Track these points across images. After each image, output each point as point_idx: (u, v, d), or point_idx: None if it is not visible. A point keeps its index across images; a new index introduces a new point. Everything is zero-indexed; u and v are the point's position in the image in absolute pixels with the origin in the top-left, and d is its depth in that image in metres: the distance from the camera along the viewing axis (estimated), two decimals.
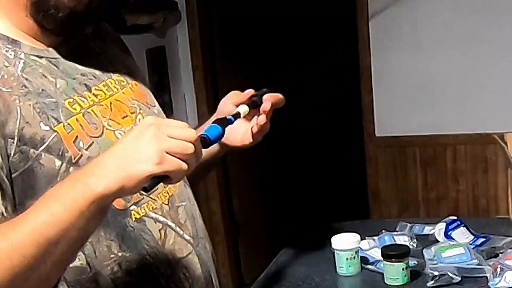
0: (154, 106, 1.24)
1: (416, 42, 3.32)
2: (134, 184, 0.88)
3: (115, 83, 1.16)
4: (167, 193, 1.15)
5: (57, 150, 1.00)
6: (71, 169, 1.00)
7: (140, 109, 1.17)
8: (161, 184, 0.93)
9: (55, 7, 1.03)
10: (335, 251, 1.55)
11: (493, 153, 3.25)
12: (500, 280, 1.39)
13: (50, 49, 1.08)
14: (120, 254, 1.06)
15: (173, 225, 1.14)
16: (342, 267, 1.54)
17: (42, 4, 1.03)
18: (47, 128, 1.00)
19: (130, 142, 0.90)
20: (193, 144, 0.91)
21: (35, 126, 0.99)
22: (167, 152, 0.88)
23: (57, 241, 0.86)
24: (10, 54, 1.03)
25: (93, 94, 1.10)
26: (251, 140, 1.28)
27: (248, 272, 3.75)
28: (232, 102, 1.26)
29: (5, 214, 0.93)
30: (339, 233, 1.57)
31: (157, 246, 1.10)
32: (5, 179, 0.95)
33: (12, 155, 0.96)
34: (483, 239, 1.65)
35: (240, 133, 1.28)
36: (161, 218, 1.12)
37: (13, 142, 0.96)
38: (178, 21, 3.42)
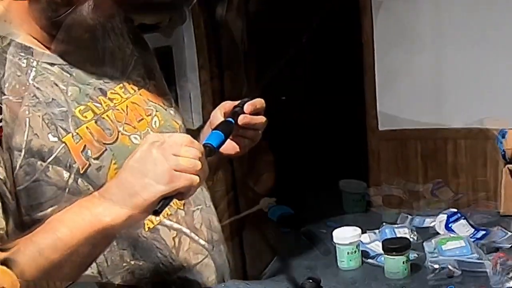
0: (171, 107, 1.22)
1: (418, 38, 3.32)
2: (145, 209, 0.86)
3: (133, 84, 1.15)
4: None
5: (65, 161, 0.98)
6: (79, 180, 0.99)
7: (156, 110, 1.16)
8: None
9: (73, 26, 1.01)
10: (336, 245, 1.56)
11: (493, 148, 3.25)
12: (500, 279, 1.39)
13: (63, 55, 1.05)
14: (132, 262, 1.05)
15: (188, 231, 1.13)
16: (343, 261, 1.55)
17: (60, 23, 1.01)
18: (55, 139, 0.98)
19: (135, 166, 0.88)
20: (200, 161, 0.90)
21: (43, 137, 0.97)
22: (175, 170, 0.87)
23: (61, 265, 0.85)
24: (23, 62, 1.00)
25: (109, 98, 1.08)
26: (238, 150, 1.22)
27: (251, 272, 3.75)
28: (221, 112, 1.20)
29: (5, 229, 0.91)
30: (340, 227, 1.58)
31: (170, 254, 1.09)
32: (8, 194, 0.93)
33: (18, 168, 0.94)
34: (484, 232, 1.66)
35: (230, 143, 1.21)
36: (176, 225, 1.11)
37: (20, 155, 0.94)
38: (184, 21, 3.41)
